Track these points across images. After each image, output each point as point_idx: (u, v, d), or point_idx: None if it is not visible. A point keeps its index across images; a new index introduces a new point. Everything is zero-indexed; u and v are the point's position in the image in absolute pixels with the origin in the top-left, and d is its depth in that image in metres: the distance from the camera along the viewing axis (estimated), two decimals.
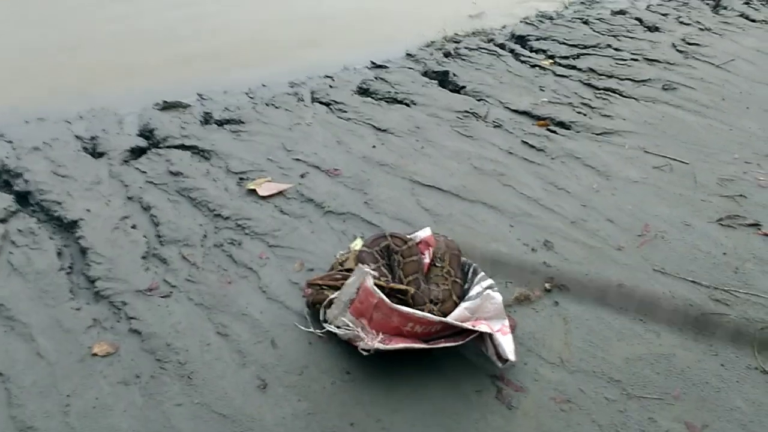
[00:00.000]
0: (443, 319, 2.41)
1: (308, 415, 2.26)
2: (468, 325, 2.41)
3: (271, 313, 2.71)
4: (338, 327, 2.45)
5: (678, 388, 2.37)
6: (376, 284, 2.40)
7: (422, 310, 2.46)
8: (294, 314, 2.70)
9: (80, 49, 5.95)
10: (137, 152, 4.00)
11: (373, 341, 2.33)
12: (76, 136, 4.19)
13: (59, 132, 4.24)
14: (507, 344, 2.40)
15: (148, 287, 2.83)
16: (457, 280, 2.70)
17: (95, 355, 2.49)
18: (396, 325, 2.38)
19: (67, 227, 3.26)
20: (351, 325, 2.40)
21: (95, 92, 5.08)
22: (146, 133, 4.23)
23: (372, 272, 2.42)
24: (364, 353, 2.33)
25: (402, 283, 2.68)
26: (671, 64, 5.21)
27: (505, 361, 2.36)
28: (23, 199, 3.54)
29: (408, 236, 2.82)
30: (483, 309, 2.51)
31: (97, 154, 3.96)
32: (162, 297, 2.79)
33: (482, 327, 2.41)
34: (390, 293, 2.54)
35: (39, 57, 5.76)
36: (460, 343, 2.41)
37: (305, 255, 3.04)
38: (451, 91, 4.79)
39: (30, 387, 2.35)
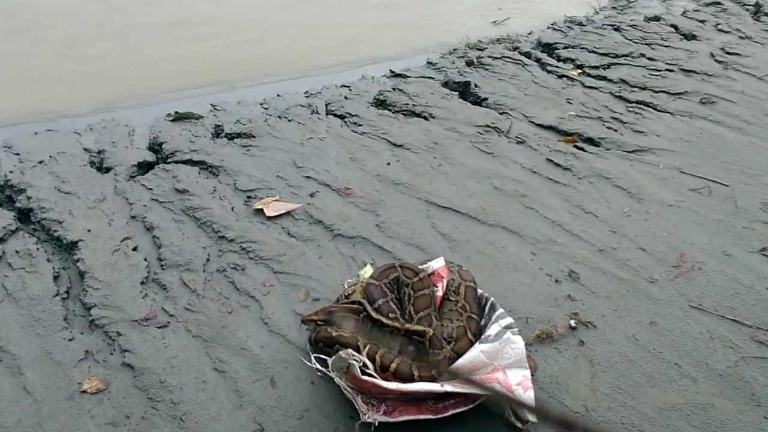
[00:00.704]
0: (450, 389, 2.14)
1: None
2: (483, 389, 2.18)
3: (272, 347, 2.54)
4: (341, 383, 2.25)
5: None
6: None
7: (438, 356, 2.25)
8: (297, 349, 2.53)
9: (95, 58, 5.87)
10: (145, 167, 3.86)
11: (375, 414, 2.13)
12: (85, 149, 4.08)
13: (67, 145, 4.13)
14: (527, 402, 2.18)
15: (145, 317, 2.68)
16: (473, 315, 2.49)
17: (84, 392, 2.34)
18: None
19: (66, 248, 3.13)
20: (350, 390, 2.20)
21: (109, 103, 5.00)
22: (155, 147, 4.10)
23: (356, 360, 2.17)
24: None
25: (413, 320, 2.48)
26: (709, 75, 4.90)
27: (525, 422, 2.14)
28: (25, 216, 3.43)
29: (420, 267, 2.62)
30: (502, 355, 2.29)
31: (103, 169, 3.83)
32: (158, 327, 2.63)
33: (499, 388, 2.17)
34: (406, 334, 2.36)
35: (52, 66, 5.69)
36: (473, 406, 2.19)
37: (311, 283, 2.86)
38: (473, 103, 4.56)
39: (14, 426, 2.20)
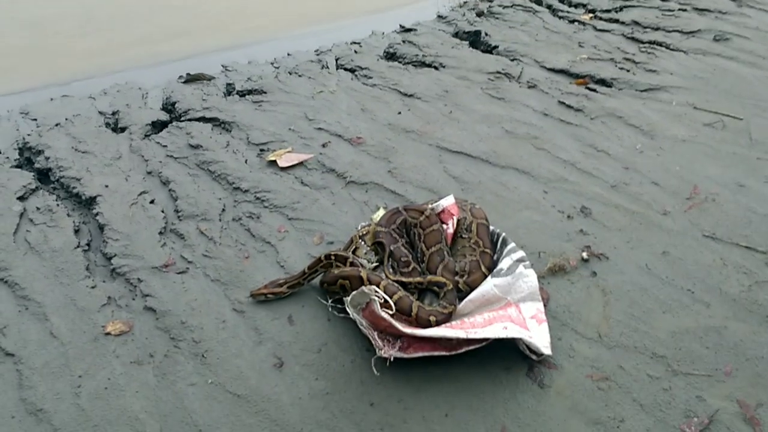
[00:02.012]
0: (465, 336, 2.15)
1: (326, 395, 2.13)
2: (495, 333, 2.15)
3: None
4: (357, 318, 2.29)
5: (730, 364, 2.14)
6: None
7: (446, 309, 2.28)
8: (312, 289, 2.57)
9: (110, 23, 5.90)
10: (158, 126, 3.91)
11: (391, 349, 2.17)
12: (99, 112, 4.14)
13: (83, 108, 4.19)
14: (542, 336, 2.20)
15: (165, 263, 2.74)
16: (486, 250, 2.51)
17: (108, 334, 2.41)
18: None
19: (85, 204, 3.20)
20: (365, 327, 2.24)
21: (124, 67, 5.03)
22: (168, 107, 4.15)
23: (378, 296, 2.20)
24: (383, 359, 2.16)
25: (425, 255, 2.52)
26: (723, 13, 4.80)
27: (539, 355, 2.17)
28: (44, 176, 3.50)
29: (424, 206, 2.64)
30: (515, 289, 2.31)
31: (118, 129, 3.89)
32: (178, 273, 2.69)
33: (512, 331, 2.16)
34: (428, 286, 2.41)
35: (67, 33, 5.73)
36: (485, 343, 2.19)
37: (325, 227, 2.90)
38: (483, 51, 4.53)
39: (41, 368, 2.28)
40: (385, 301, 2.21)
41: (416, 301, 2.30)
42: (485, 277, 2.43)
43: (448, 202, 2.65)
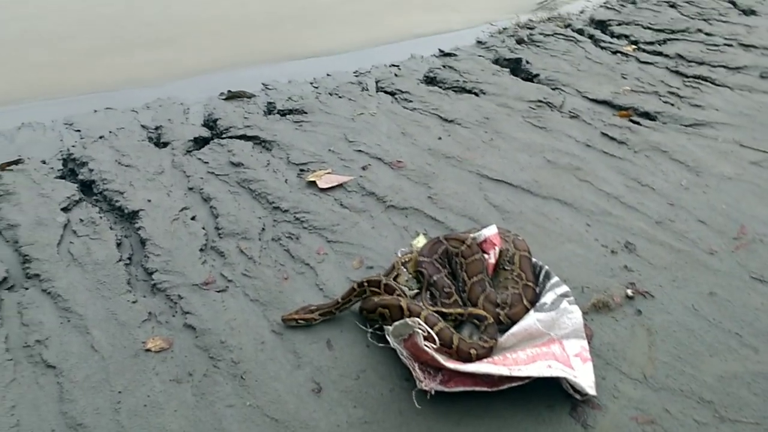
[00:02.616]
0: (508, 373, 2.11)
1: (364, 424, 2.11)
2: (539, 371, 2.12)
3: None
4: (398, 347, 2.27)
5: None
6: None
7: (487, 343, 2.26)
8: (351, 314, 2.56)
9: (152, 38, 6.02)
10: (200, 142, 3.96)
11: (432, 382, 2.14)
12: (142, 126, 4.20)
13: (126, 121, 4.26)
14: (586, 375, 2.15)
15: (205, 281, 2.75)
16: (529, 284, 2.49)
17: (149, 350, 2.42)
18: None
19: (128, 217, 3.24)
20: (406, 357, 2.22)
21: (165, 82, 5.12)
22: (210, 123, 4.20)
23: (422, 329, 2.17)
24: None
25: (466, 285, 2.50)
26: None
27: (583, 395, 2.12)
28: (87, 188, 3.55)
29: (466, 235, 2.62)
30: (558, 324, 2.28)
31: (161, 144, 3.94)
32: (218, 291, 2.70)
33: (557, 370, 2.12)
34: (468, 318, 2.39)
35: (110, 45, 5.85)
36: (528, 380, 2.15)
37: (365, 251, 2.89)
38: (524, 79, 4.52)
39: (82, 381, 2.29)
40: (429, 334, 2.19)
41: (456, 334, 2.27)
42: (527, 310, 2.40)
43: (490, 231, 2.63)
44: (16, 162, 3.76)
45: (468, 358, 2.20)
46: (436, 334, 2.21)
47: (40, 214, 3.20)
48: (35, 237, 3.04)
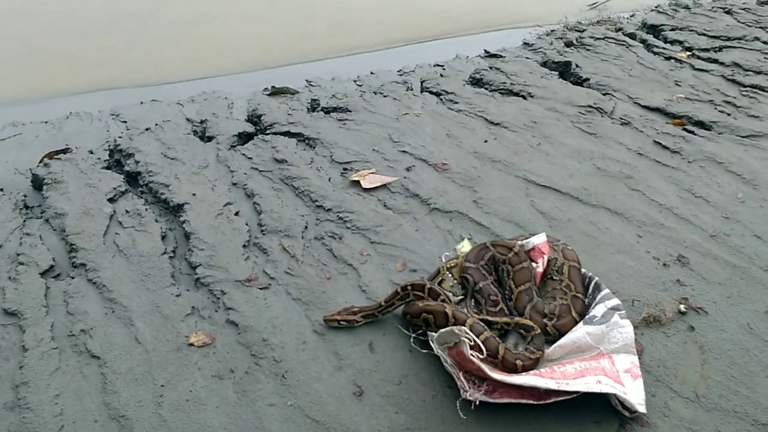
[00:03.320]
0: (555, 387, 2.05)
1: (406, 430, 2.08)
2: (588, 386, 2.06)
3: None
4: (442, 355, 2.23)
5: None
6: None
7: (534, 354, 2.21)
8: (394, 318, 2.52)
9: (195, 28, 6.07)
10: (244, 137, 3.97)
11: (476, 392, 2.10)
12: (187, 119, 4.23)
13: (171, 114, 4.30)
14: (636, 392, 2.08)
15: (248, 278, 2.75)
16: (579, 295, 2.42)
17: (191, 344, 2.42)
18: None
19: (172, 210, 3.25)
20: (450, 365, 2.18)
21: (208, 75, 5.16)
22: (254, 119, 4.20)
23: (467, 336, 2.13)
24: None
25: (513, 293, 2.44)
26: None
27: (633, 412, 2.05)
28: (133, 179, 3.58)
29: (513, 242, 2.56)
30: (608, 339, 2.21)
31: (205, 138, 3.96)
32: (260, 289, 2.69)
33: (606, 386, 2.05)
34: (515, 328, 2.35)
35: (154, 37, 5.92)
36: (575, 395, 2.08)
37: (408, 254, 2.85)
38: (573, 83, 4.43)
39: (125, 373, 2.30)
40: (475, 343, 2.14)
41: (502, 343, 2.22)
42: (576, 323, 2.33)
43: (539, 240, 2.56)
44: (64, 151, 3.81)
45: (513, 369, 2.15)
46: (482, 342, 2.17)
47: (86, 204, 3.24)
48: (82, 226, 3.07)
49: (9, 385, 2.26)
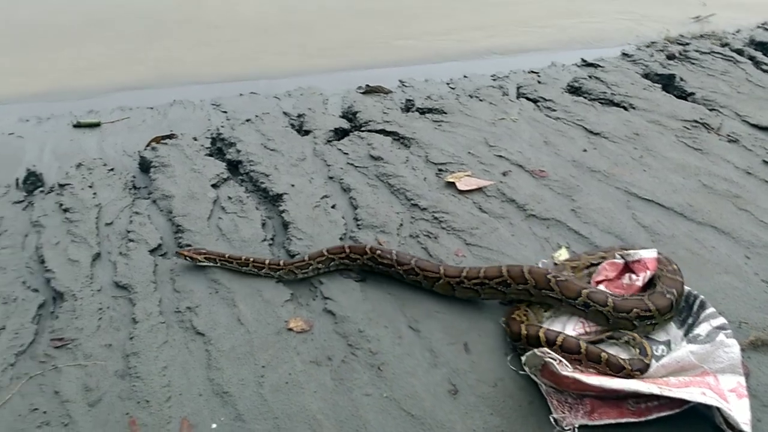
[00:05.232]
0: (658, 392, 2.00)
1: None
2: (692, 396, 2.00)
3: (466, 314, 2.55)
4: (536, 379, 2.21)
5: None
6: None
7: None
8: (489, 320, 2.51)
9: (295, 28, 6.24)
10: (339, 133, 4.04)
11: (574, 418, 2.06)
12: (284, 113, 4.34)
13: (269, 107, 4.43)
14: (742, 411, 1.99)
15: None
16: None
17: (291, 329, 2.49)
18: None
19: (272, 199, 3.34)
20: (545, 391, 2.16)
21: (303, 71, 5.28)
22: (349, 115, 4.27)
23: (552, 357, 2.11)
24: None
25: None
26: None
27: (737, 431, 1.97)
28: (234, 167, 3.71)
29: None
30: (713, 358, 2.13)
31: (303, 132, 4.06)
32: (357, 281, 2.73)
33: (711, 398, 1.99)
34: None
35: (252, 32, 6.11)
36: (678, 410, 2.04)
37: (504, 258, 2.83)
38: (677, 97, 4.29)
39: (228, 352, 2.38)
40: (560, 361, 2.12)
41: (605, 351, 2.20)
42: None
43: (649, 254, 2.51)
44: (170, 136, 3.99)
45: (621, 368, 2.13)
46: (584, 351, 2.15)
47: (192, 188, 3.38)
48: (188, 209, 3.21)
49: (120, 354, 2.38)
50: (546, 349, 2.16)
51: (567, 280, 2.40)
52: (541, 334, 2.26)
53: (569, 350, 2.20)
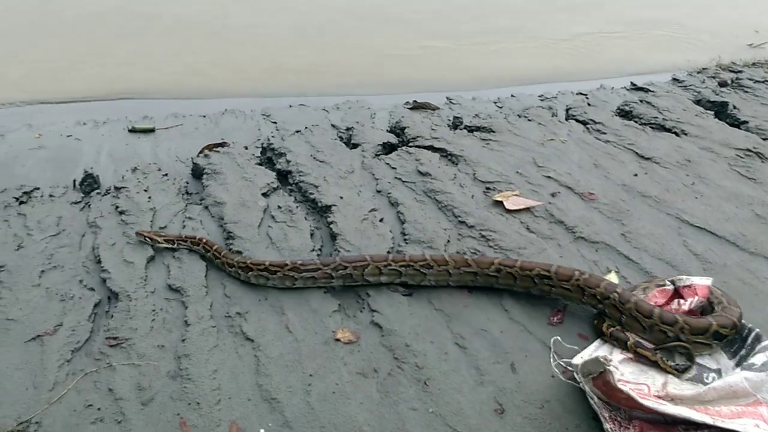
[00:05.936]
0: (711, 422, 1.96)
1: None
2: (745, 428, 1.95)
3: (512, 334, 2.54)
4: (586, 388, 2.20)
5: None
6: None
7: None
8: (537, 340, 2.50)
9: (342, 42, 6.34)
10: (387, 148, 4.08)
11: None
12: (332, 125, 4.41)
13: (317, 119, 4.50)
14: None
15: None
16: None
17: (338, 340, 2.51)
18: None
19: (320, 210, 3.39)
20: (596, 402, 2.14)
21: (350, 85, 5.36)
22: (397, 130, 4.32)
23: (612, 367, 2.08)
24: None
25: None
26: None
27: None
28: (283, 177, 3.77)
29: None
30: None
31: (351, 144, 4.11)
32: (404, 295, 2.75)
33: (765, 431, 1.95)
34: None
35: (304, 45, 6.23)
36: None
37: None
38: (730, 125, 4.24)
39: (277, 359, 2.42)
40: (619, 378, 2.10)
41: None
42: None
43: (701, 281, 2.48)
44: (222, 144, 4.08)
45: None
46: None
47: (243, 196, 3.45)
48: (239, 216, 3.27)
49: (172, 356, 2.43)
50: (610, 357, 2.14)
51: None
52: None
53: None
